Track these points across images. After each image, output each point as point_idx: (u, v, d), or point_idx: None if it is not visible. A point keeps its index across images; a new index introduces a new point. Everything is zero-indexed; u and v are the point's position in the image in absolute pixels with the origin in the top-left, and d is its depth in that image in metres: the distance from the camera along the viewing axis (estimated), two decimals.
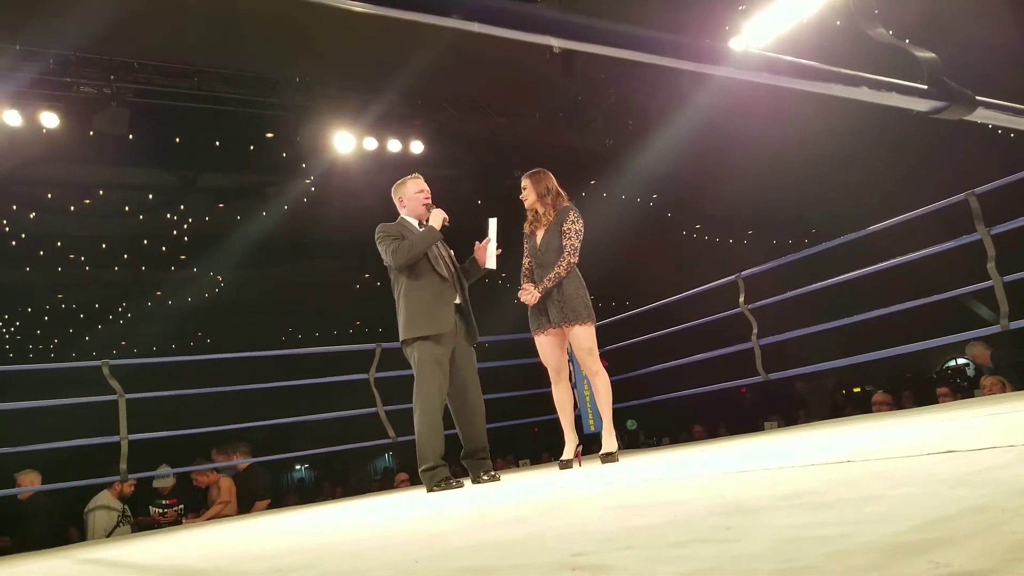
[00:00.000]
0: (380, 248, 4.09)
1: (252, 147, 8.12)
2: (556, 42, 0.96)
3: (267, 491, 6.19)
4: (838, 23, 5.15)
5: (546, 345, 4.18)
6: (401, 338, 4.04)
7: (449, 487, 3.81)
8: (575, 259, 4.07)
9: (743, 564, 0.83)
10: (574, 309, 4.02)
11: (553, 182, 4.21)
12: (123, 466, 4.97)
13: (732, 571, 0.80)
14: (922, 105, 1.31)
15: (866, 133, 6.85)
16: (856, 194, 7.46)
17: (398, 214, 4.25)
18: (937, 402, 6.29)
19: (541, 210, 4.17)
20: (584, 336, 4.04)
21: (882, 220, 4.75)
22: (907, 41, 1.41)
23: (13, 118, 6.52)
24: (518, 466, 8.15)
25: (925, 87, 1.30)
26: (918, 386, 8.19)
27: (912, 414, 4.50)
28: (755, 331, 5.32)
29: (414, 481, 7.33)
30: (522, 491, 2.86)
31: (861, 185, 7.45)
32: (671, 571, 0.87)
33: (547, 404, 4.51)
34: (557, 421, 4.42)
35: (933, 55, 1.32)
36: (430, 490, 3.84)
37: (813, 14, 5.23)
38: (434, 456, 3.86)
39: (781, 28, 5.23)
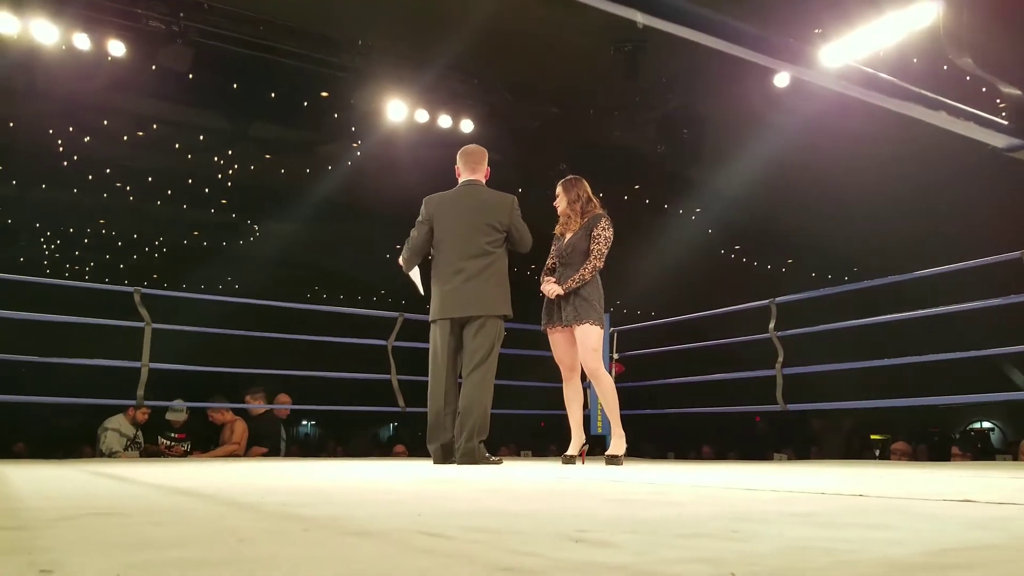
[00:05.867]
0: (522, 225, 4.17)
1: (306, 103, 8.17)
2: (641, 17, 0.95)
3: (268, 440, 6.28)
4: (915, 60, 5.05)
5: (558, 342, 4.29)
6: (498, 312, 4.06)
7: (494, 462, 3.94)
8: (600, 264, 4.15)
9: (749, 559, 0.83)
10: (585, 310, 4.11)
11: (586, 189, 4.33)
12: (140, 392, 5.06)
13: (738, 563, 0.80)
14: (999, 140, 1.28)
15: (929, 181, 6.72)
16: (907, 238, 7.33)
17: (453, 181, 4.29)
18: (950, 460, 6.18)
19: (571, 215, 4.27)
20: (590, 336, 4.10)
21: (930, 266, 4.66)
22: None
23: (83, 41, 6.63)
24: (520, 456, 8.15)
25: (1005, 123, 1.28)
26: (940, 443, 8.04)
27: (929, 466, 4.44)
28: (780, 359, 5.26)
29: (414, 453, 7.37)
30: (526, 476, 2.87)
31: (914, 229, 7.30)
32: (675, 555, 0.87)
33: (557, 399, 4.51)
34: (565, 417, 4.45)
35: (1019, 91, 1.29)
36: (480, 459, 3.88)
37: (892, 46, 5.13)
38: (487, 430, 3.96)
39: (855, 58, 5.14)
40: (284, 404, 6.51)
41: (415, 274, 4.29)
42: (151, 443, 6.11)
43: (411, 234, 4.24)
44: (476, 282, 4.02)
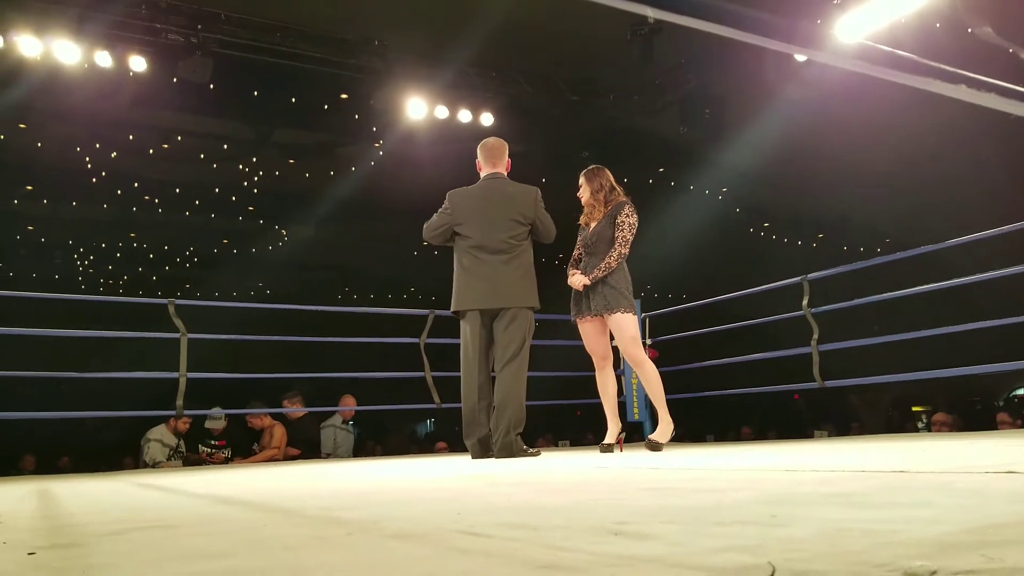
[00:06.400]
0: (546, 216, 4.18)
1: (326, 107, 8.24)
2: (652, 12, 0.95)
3: (304, 444, 6.38)
4: (937, 25, 4.94)
5: (589, 332, 4.28)
6: (527, 304, 4.08)
7: (532, 454, 3.96)
8: (626, 251, 4.14)
9: (788, 545, 0.83)
10: (615, 298, 4.09)
11: (608, 178, 4.32)
12: (179, 402, 5.14)
13: (777, 550, 0.80)
14: (1022, 109, 1.26)
15: (956, 145, 6.59)
16: (938, 205, 7.19)
17: (477, 175, 4.30)
18: (997, 428, 6.07)
19: (595, 204, 4.27)
20: (626, 324, 4.08)
21: (963, 234, 4.57)
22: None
23: (104, 59, 6.74)
24: (557, 446, 8.18)
25: None
26: (983, 411, 7.91)
27: (972, 436, 4.36)
28: (815, 336, 5.20)
29: (453, 449, 7.43)
30: (563, 467, 2.88)
31: (944, 197, 7.17)
32: (714, 545, 0.87)
33: (593, 388, 4.51)
34: (601, 406, 4.45)
35: None
36: (518, 452, 3.90)
37: (912, 13, 5.02)
38: (524, 422, 3.99)
39: (875, 26, 5.04)
40: (350, 406, 6.60)
41: None
42: (192, 451, 6.22)
43: (432, 218, 4.26)
44: (503, 275, 4.03)
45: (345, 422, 6.71)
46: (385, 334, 6.22)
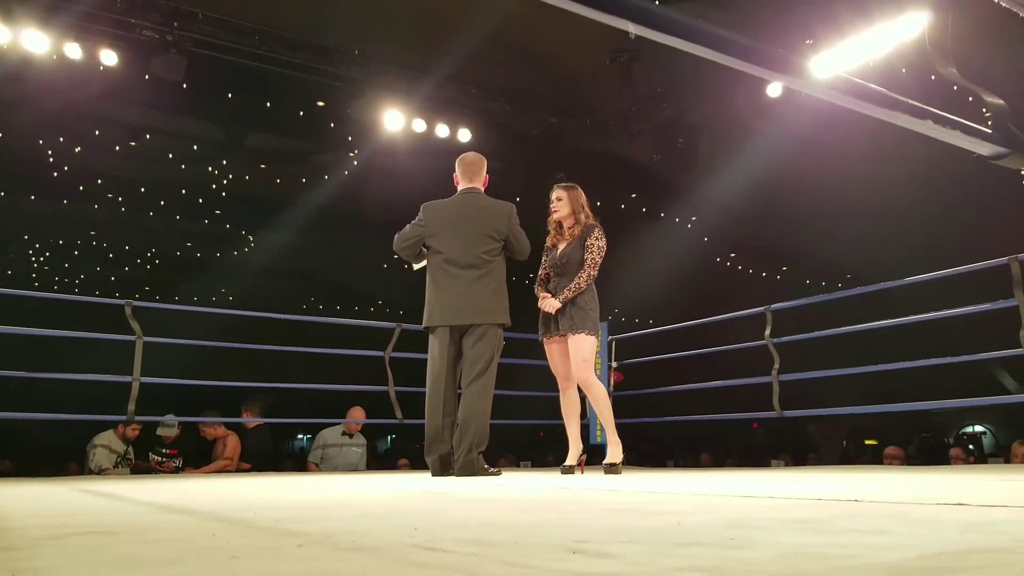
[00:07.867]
0: (520, 233, 4.12)
1: (302, 113, 8.17)
2: (633, 28, 0.96)
3: (257, 456, 6.25)
4: (903, 71, 5.09)
5: (554, 352, 4.28)
6: (498, 320, 4.02)
7: (493, 473, 3.91)
8: (595, 273, 4.14)
9: (747, 566, 0.83)
10: (581, 319, 4.09)
11: (584, 199, 4.29)
12: (131, 407, 4.97)
13: (736, 571, 0.80)
14: (984, 148, 1.30)
15: (919, 188, 6.77)
16: (900, 245, 7.36)
17: (452, 190, 4.28)
18: (949, 463, 6.20)
19: (569, 224, 4.25)
20: (583, 346, 4.08)
21: (923, 272, 4.68)
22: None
23: (74, 51, 6.60)
24: (519, 466, 8.13)
25: (989, 131, 1.29)
26: (934, 447, 8.07)
27: (923, 470, 4.44)
28: (776, 366, 5.26)
29: (415, 466, 7.35)
30: (524, 487, 2.86)
31: (906, 236, 7.35)
32: (673, 565, 0.87)
33: (556, 409, 4.49)
34: (563, 427, 4.44)
35: (1002, 101, 1.31)
36: (479, 471, 3.84)
37: (881, 57, 5.16)
38: (487, 441, 3.93)
39: (846, 68, 5.17)
40: (357, 418, 6.45)
41: (420, 263, 4.27)
42: (142, 459, 6.03)
43: (404, 229, 4.21)
44: (474, 291, 3.99)
45: (348, 435, 6.53)
46: (350, 347, 6.14)
